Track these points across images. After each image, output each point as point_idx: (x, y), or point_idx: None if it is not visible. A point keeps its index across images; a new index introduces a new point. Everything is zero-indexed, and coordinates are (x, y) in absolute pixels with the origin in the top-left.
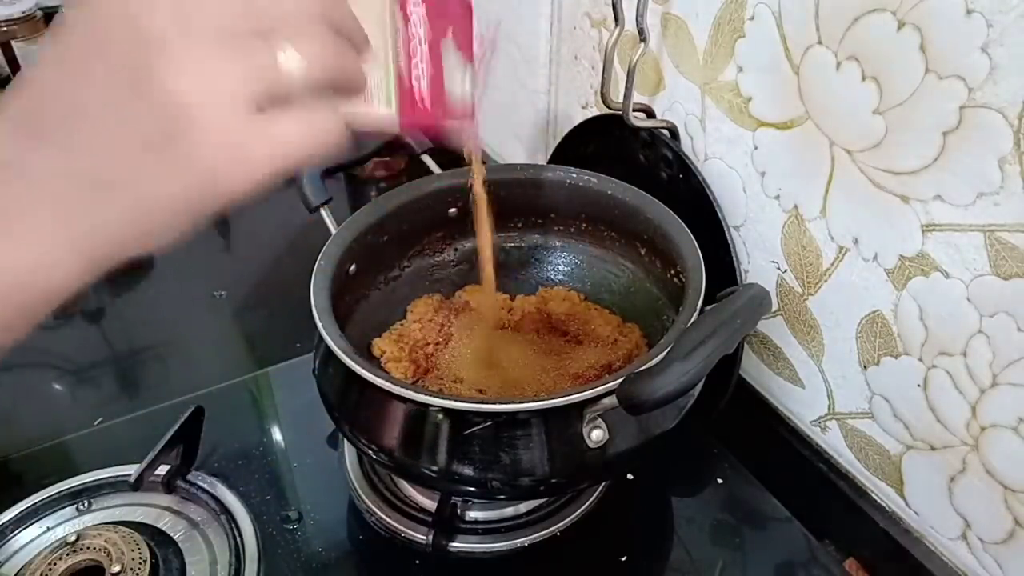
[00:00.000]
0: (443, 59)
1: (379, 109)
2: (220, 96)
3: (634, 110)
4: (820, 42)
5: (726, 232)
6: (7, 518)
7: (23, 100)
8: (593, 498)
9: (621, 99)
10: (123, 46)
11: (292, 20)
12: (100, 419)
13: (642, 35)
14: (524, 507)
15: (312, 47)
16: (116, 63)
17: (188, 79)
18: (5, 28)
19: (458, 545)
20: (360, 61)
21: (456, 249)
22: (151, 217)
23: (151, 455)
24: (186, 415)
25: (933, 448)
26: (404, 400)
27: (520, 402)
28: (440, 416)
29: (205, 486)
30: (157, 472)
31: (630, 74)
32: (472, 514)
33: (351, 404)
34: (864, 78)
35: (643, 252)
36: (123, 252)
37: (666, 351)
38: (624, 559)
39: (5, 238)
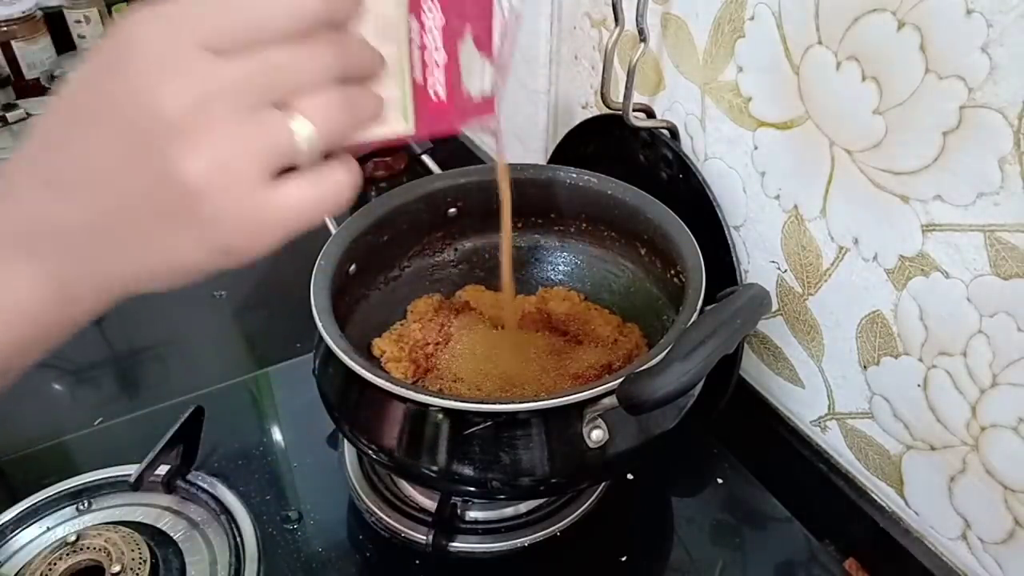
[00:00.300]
0: (461, 58)
1: (395, 126)
2: (235, 174)
3: (634, 110)
4: (820, 42)
5: (726, 232)
6: (7, 518)
7: (36, 152)
8: (593, 498)
9: (621, 99)
10: (132, 120)
11: (305, 86)
12: (100, 419)
13: (642, 35)
14: (524, 507)
15: (324, 112)
16: (126, 135)
17: (201, 160)
18: (5, 28)
19: (458, 545)
20: (374, 94)
21: (456, 249)
22: (162, 272)
23: (151, 455)
24: (186, 415)
25: (933, 448)
26: (404, 400)
27: (520, 402)
28: (440, 416)
29: (205, 486)
30: (157, 472)
31: (630, 74)
32: (472, 514)
33: (351, 404)
34: (864, 78)
35: (643, 252)
36: (136, 290)
37: (666, 351)
38: (624, 559)
39: (24, 273)
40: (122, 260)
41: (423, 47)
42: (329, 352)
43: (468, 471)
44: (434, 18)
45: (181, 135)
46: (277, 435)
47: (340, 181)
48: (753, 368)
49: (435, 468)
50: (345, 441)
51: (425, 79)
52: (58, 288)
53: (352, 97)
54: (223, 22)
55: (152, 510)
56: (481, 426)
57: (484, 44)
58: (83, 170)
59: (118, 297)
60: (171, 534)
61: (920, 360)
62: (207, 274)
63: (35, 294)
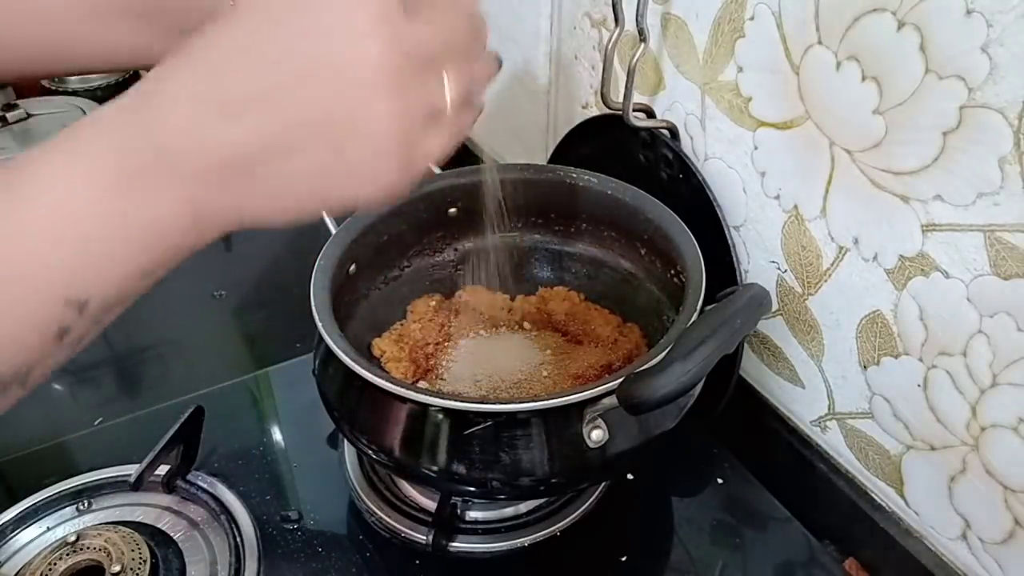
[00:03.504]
0: None
1: None
2: (411, 120)
3: (634, 110)
4: (820, 42)
5: (726, 232)
6: (7, 518)
7: (197, 66)
8: (593, 498)
9: (621, 99)
10: (330, 57)
11: (462, 56)
12: (100, 419)
13: (642, 35)
14: (524, 507)
15: (465, 80)
16: (321, 69)
17: (390, 102)
18: None
19: (458, 545)
20: (491, 65)
21: (456, 249)
22: (296, 204)
23: (151, 455)
24: (186, 415)
25: (933, 448)
26: (404, 400)
27: (520, 402)
28: (440, 416)
29: (205, 486)
30: (157, 472)
31: (630, 74)
32: (472, 514)
33: (351, 404)
34: (864, 78)
35: (643, 252)
36: (254, 225)
37: (666, 351)
38: (624, 559)
39: (167, 194)
40: (264, 189)
41: None
42: (329, 352)
43: (468, 471)
44: None
45: (380, 81)
46: (277, 435)
47: (460, 131)
48: (753, 368)
49: (435, 468)
50: (345, 441)
51: None
52: (193, 213)
53: (481, 66)
54: None
55: (152, 510)
56: (481, 426)
57: None
58: (259, 91)
59: (232, 229)
60: (171, 534)
61: (920, 360)
62: (330, 211)
63: (174, 218)
